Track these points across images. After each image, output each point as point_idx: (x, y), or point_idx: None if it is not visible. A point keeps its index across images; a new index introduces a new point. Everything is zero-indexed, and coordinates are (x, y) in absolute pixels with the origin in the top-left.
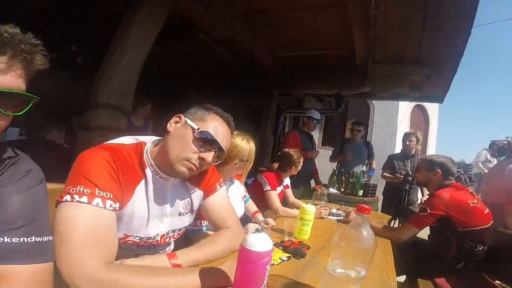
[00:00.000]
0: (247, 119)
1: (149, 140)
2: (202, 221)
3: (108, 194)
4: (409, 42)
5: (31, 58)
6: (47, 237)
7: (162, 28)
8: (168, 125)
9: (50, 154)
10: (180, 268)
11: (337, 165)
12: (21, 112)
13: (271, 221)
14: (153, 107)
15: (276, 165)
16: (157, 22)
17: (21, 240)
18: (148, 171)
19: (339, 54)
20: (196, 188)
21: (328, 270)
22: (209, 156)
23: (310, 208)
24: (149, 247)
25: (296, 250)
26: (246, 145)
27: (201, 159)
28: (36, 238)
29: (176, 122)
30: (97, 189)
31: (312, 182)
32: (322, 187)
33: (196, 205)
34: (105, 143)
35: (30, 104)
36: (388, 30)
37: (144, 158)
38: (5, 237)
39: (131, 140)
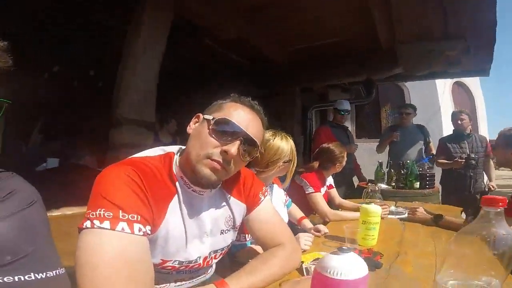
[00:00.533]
0: (269, 121)
1: (176, 149)
2: (246, 235)
3: (135, 216)
4: (432, 18)
5: None
6: (54, 272)
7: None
8: (188, 128)
9: (82, 180)
10: None
11: (388, 156)
12: None
13: (323, 227)
14: (178, 123)
15: (316, 164)
16: (164, 26)
17: (15, 279)
18: (179, 185)
19: (360, 38)
20: (237, 201)
21: (438, 283)
22: (232, 147)
23: (374, 209)
24: (190, 271)
25: (368, 261)
26: (286, 144)
27: (223, 153)
28: (36, 274)
29: (195, 123)
30: (120, 211)
31: (355, 179)
32: (369, 184)
33: (238, 220)
34: (128, 158)
35: (2, 110)
36: (406, 7)
37: (174, 171)
38: None
39: (158, 151)
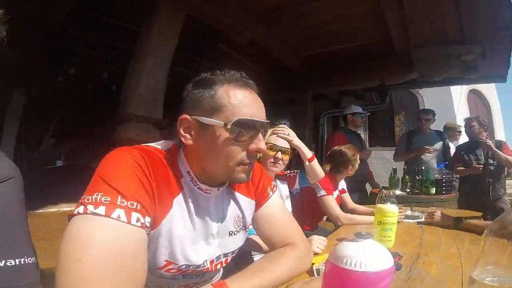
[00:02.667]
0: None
1: (177, 142)
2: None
3: (135, 204)
4: (446, 20)
5: None
6: (18, 260)
7: (183, 42)
8: (183, 139)
9: (86, 178)
10: None
11: (404, 163)
12: None
13: None
14: None
15: (327, 167)
16: (176, 26)
17: None
18: (184, 182)
19: (373, 42)
20: (246, 198)
21: (475, 279)
22: (260, 144)
23: (391, 209)
24: (197, 275)
25: None
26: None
27: (255, 152)
28: None
29: (188, 129)
30: (119, 197)
31: (368, 187)
32: (382, 190)
33: (249, 220)
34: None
35: None
36: (420, 10)
37: (179, 164)
38: None
39: (164, 144)
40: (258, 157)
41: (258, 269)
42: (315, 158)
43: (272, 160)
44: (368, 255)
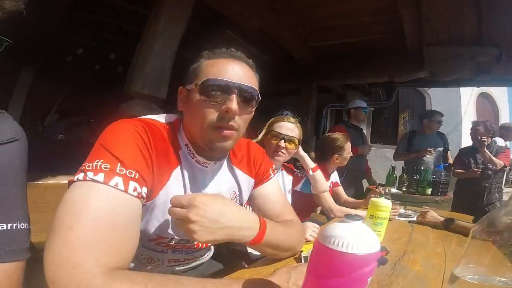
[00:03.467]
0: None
1: (181, 116)
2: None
3: (133, 173)
4: (465, 22)
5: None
6: (10, 225)
7: (189, 26)
8: (178, 106)
9: (86, 152)
10: (211, 280)
11: (404, 163)
12: None
13: None
14: None
15: (312, 154)
16: (185, 8)
17: None
18: (182, 154)
19: (384, 38)
20: (246, 175)
21: (457, 276)
22: (231, 103)
23: (384, 203)
24: (187, 251)
25: None
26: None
27: (224, 113)
28: None
29: (183, 98)
30: (119, 164)
31: (365, 183)
32: (379, 187)
33: (245, 197)
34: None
35: (2, 48)
36: (438, 8)
37: (178, 138)
38: None
39: (166, 117)
40: (236, 123)
41: (277, 224)
42: (318, 169)
43: (274, 149)
44: (356, 237)
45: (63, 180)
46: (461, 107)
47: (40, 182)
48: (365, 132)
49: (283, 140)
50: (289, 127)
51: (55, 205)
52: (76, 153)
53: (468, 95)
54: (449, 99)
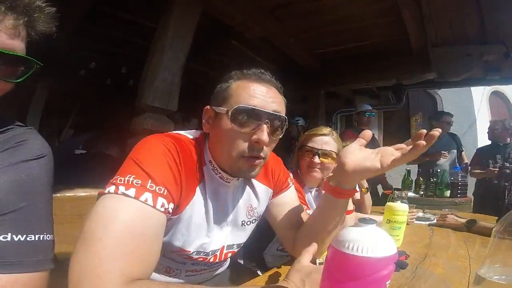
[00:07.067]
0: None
1: (204, 133)
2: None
3: (162, 189)
4: (467, 19)
5: (35, 20)
6: (37, 236)
7: (195, 38)
8: (204, 126)
9: (105, 165)
10: None
11: (418, 167)
12: (21, 79)
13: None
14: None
15: None
16: (191, 21)
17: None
18: (206, 170)
19: (389, 40)
20: (264, 186)
21: (482, 277)
22: (262, 135)
23: (401, 207)
24: (206, 263)
25: None
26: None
27: (255, 143)
28: (14, 236)
29: (208, 118)
30: (149, 181)
31: (380, 189)
32: (395, 191)
33: (263, 209)
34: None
35: (32, 70)
36: (438, 9)
37: (204, 153)
38: None
39: (195, 134)
40: (264, 152)
41: None
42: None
43: (307, 164)
44: (371, 240)
45: (81, 193)
46: (474, 107)
47: (58, 195)
48: (376, 136)
49: (317, 156)
50: (325, 140)
51: (72, 217)
52: (95, 166)
53: (480, 94)
54: (460, 99)
